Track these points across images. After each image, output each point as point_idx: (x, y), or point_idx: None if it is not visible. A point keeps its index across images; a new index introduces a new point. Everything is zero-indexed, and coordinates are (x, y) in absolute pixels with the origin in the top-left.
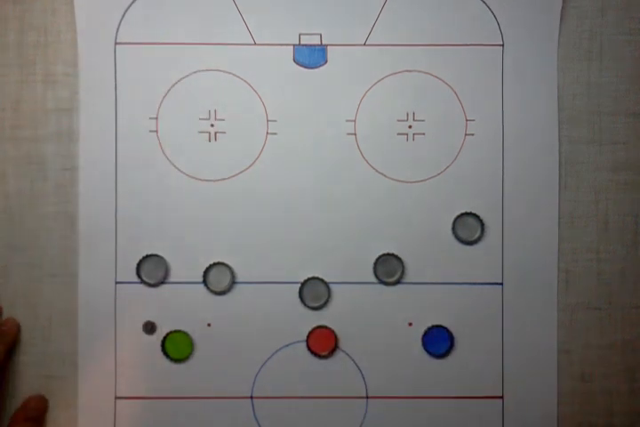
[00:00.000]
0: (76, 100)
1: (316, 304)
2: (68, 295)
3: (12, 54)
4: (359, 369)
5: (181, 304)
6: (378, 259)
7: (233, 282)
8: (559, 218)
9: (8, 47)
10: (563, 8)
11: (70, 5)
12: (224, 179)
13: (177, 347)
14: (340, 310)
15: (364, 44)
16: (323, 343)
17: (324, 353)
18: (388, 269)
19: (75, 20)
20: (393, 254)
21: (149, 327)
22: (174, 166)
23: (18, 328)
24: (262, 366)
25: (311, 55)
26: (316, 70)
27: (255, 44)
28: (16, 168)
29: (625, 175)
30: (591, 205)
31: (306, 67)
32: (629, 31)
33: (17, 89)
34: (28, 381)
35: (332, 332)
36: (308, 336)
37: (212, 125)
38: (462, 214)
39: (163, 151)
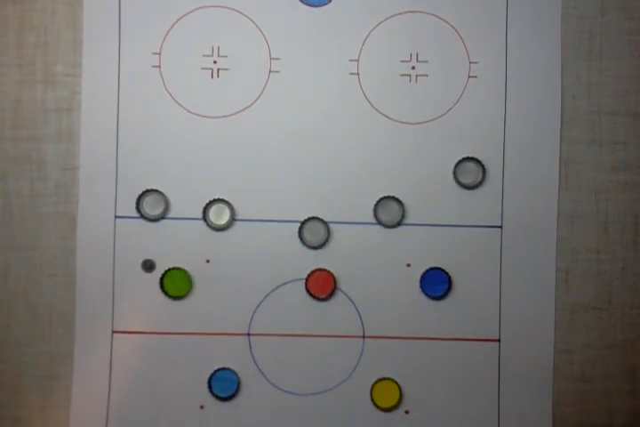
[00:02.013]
0: (77, 101)
1: (315, 244)
2: (67, 295)
3: (12, 54)
4: (356, 309)
5: (180, 240)
6: (378, 201)
7: (233, 219)
8: (558, 218)
9: (8, 47)
10: (563, 7)
11: (70, 6)
12: (226, 116)
13: (175, 284)
14: (340, 250)
15: None
16: (322, 286)
17: (322, 296)
18: (388, 210)
19: None
20: (393, 197)
21: (148, 265)
22: (176, 102)
23: None
24: (260, 304)
25: None
26: (320, 9)
27: None
28: (16, 168)
29: (625, 175)
30: (591, 205)
31: (310, 5)
32: (629, 31)
33: (17, 89)
34: (27, 381)
35: (331, 275)
36: (307, 279)
37: (215, 62)
38: (464, 159)
39: (165, 87)
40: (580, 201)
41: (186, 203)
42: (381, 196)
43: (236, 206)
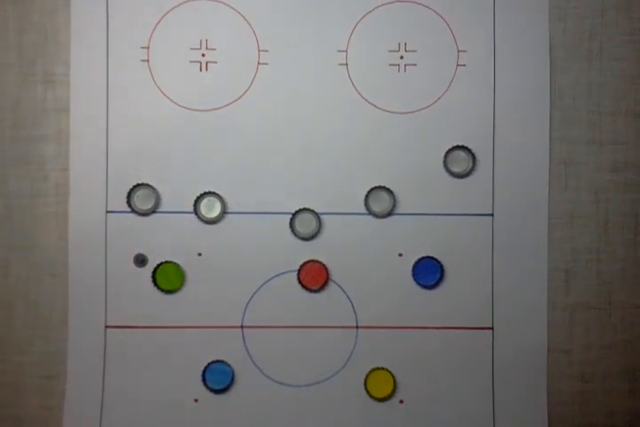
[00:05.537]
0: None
1: (306, 235)
2: (67, 295)
3: (12, 54)
4: (349, 299)
5: (172, 234)
6: (369, 191)
7: (224, 212)
8: (557, 218)
9: (8, 47)
10: (563, 7)
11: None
12: (215, 109)
13: (168, 278)
14: (331, 241)
15: None
16: (314, 278)
17: (315, 287)
18: (379, 200)
19: None
20: (384, 187)
21: (140, 260)
22: (166, 96)
23: None
24: (253, 296)
25: None
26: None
27: None
28: (16, 168)
29: (625, 175)
30: (591, 205)
31: None
32: (629, 31)
33: (17, 89)
34: (27, 381)
35: (324, 266)
36: (299, 270)
37: (204, 55)
38: (454, 148)
39: (154, 81)
40: (580, 201)
41: (177, 196)
42: (372, 186)
43: (226, 199)
